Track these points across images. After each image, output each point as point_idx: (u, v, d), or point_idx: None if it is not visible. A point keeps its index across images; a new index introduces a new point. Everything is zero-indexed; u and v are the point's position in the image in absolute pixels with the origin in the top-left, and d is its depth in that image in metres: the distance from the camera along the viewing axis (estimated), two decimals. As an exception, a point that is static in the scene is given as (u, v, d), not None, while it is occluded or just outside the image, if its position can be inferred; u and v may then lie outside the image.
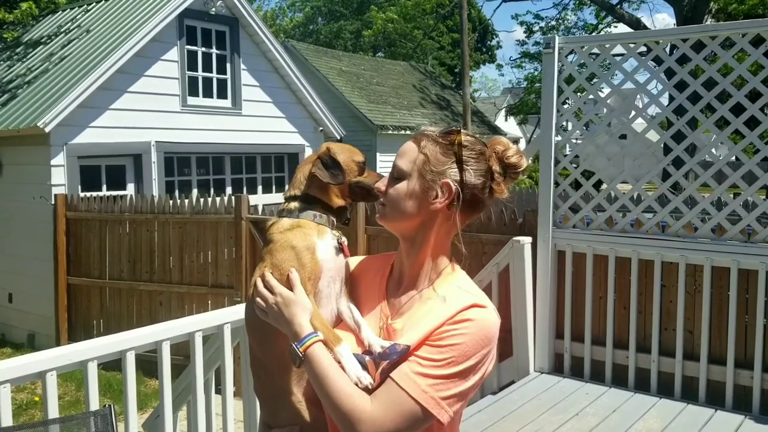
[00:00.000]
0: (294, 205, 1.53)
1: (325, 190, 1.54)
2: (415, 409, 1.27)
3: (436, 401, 1.28)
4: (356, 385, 1.32)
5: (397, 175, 1.43)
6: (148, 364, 3.26)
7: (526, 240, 4.65)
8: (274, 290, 1.42)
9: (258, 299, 1.44)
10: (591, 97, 4.88)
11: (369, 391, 1.33)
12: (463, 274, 1.48)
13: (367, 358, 1.37)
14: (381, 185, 1.46)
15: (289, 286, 1.43)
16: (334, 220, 1.55)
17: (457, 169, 1.40)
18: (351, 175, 1.55)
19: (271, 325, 1.44)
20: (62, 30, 10.61)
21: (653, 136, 4.77)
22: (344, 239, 1.54)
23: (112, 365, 2.92)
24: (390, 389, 1.30)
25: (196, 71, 10.18)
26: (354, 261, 1.60)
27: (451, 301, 1.37)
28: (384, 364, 1.34)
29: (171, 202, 7.59)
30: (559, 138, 4.85)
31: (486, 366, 1.35)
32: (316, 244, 1.46)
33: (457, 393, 1.30)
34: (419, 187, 1.40)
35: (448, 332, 1.32)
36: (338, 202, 1.56)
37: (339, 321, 1.49)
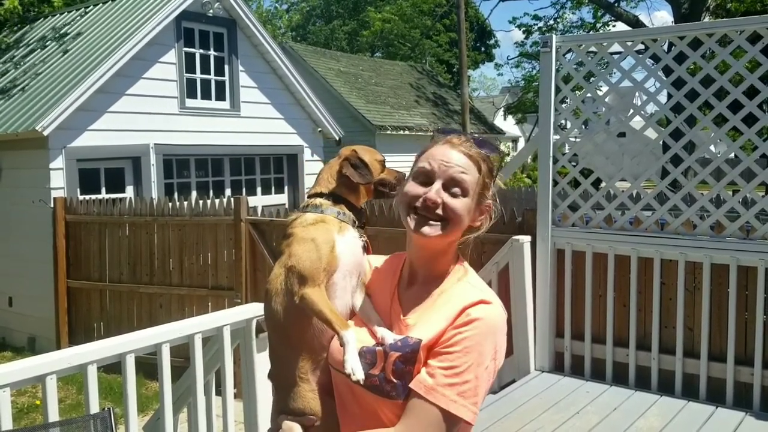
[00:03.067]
0: (320, 201, 1.60)
1: (351, 189, 1.62)
2: (449, 420, 1.32)
3: (467, 407, 1.33)
4: (348, 376, 1.37)
5: (459, 192, 1.40)
6: (149, 366, 3.25)
7: (526, 239, 4.65)
8: None
9: None
10: (589, 95, 4.88)
11: (373, 385, 1.37)
12: (471, 270, 1.51)
13: (377, 348, 1.40)
14: (436, 197, 1.39)
15: (306, 280, 1.47)
16: (356, 220, 1.62)
17: (493, 189, 1.47)
18: (375, 174, 1.64)
19: (290, 322, 1.51)
20: (60, 33, 10.61)
21: (651, 133, 4.77)
22: (365, 238, 1.60)
23: (114, 368, 2.92)
24: (421, 408, 1.33)
25: (194, 73, 10.18)
26: (373, 259, 1.64)
27: (459, 297, 1.41)
28: (396, 355, 1.37)
29: (170, 204, 7.59)
30: (558, 137, 4.85)
31: (499, 360, 1.40)
32: (335, 239, 1.53)
33: (481, 393, 1.36)
34: (474, 207, 1.43)
35: (460, 334, 1.35)
36: (363, 200, 1.65)
37: (353, 314, 1.53)
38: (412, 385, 1.35)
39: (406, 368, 1.36)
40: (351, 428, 1.46)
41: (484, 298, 1.39)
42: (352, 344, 1.41)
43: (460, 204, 1.39)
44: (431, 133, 1.52)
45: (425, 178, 1.41)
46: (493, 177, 1.46)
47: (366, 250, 1.59)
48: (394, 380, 1.37)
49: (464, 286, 1.43)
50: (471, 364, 1.33)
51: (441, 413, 1.31)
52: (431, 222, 1.39)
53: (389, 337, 1.42)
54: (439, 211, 1.38)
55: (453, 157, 1.41)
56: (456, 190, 1.39)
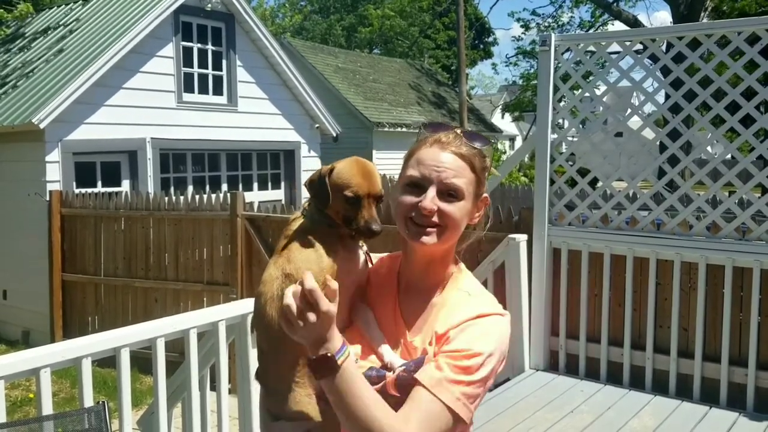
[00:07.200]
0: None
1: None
2: (449, 418, 1.25)
3: (467, 407, 1.27)
4: None
5: (455, 195, 1.35)
6: (143, 361, 3.25)
7: (522, 237, 4.65)
8: (318, 306, 1.14)
9: (289, 311, 1.16)
10: (587, 94, 4.88)
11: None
12: (468, 274, 1.47)
13: (388, 376, 1.34)
14: (431, 205, 1.33)
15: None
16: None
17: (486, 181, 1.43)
18: (339, 204, 1.44)
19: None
20: (58, 26, 10.57)
21: (649, 133, 4.78)
22: (365, 247, 1.52)
23: (108, 362, 2.92)
24: (423, 399, 1.26)
25: (192, 67, 10.15)
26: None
27: (459, 309, 1.37)
28: (400, 370, 1.34)
29: (166, 198, 7.57)
30: (555, 136, 4.85)
31: (499, 367, 1.35)
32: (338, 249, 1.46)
33: (479, 395, 1.30)
34: (471, 206, 1.39)
35: (469, 329, 1.32)
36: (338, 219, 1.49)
37: (347, 325, 1.46)
38: (417, 376, 1.30)
39: (410, 379, 1.31)
40: None
41: (482, 312, 1.36)
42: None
43: (456, 209, 1.35)
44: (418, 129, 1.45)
45: (418, 185, 1.36)
46: (487, 171, 1.42)
47: (367, 261, 1.51)
48: (396, 394, 1.32)
49: (465, 297, 1.39)
50: (480, 365, 1.29)
51: (446, 410, 1.25)
52: (428, 230, 1.35)
53: (397, 361, 1.36)
54: (436, 219, 1.34)
55: (444, 159, 1.35)
56: (451, 194, 1.35)
